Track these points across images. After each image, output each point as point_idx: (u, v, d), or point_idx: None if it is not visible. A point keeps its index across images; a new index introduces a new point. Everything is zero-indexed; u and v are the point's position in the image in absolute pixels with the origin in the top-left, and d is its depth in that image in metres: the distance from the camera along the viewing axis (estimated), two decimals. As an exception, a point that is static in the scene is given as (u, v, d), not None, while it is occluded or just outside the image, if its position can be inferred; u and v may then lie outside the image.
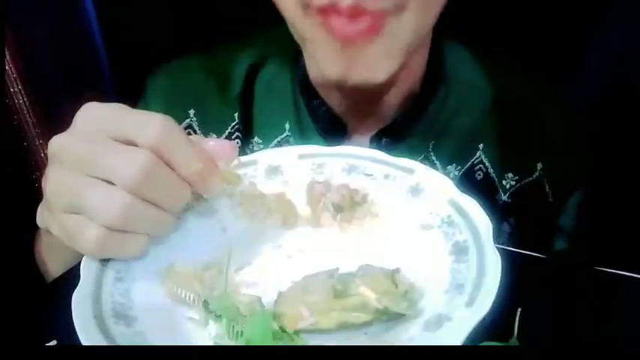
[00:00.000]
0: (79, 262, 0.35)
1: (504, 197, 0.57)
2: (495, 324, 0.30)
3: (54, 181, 0.35)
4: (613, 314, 0.34)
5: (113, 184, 0.33)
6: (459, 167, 0.56)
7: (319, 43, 0.45)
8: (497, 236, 0.56)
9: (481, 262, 0.33)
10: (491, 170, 0.56)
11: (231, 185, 0.42)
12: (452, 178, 0.55)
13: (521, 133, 0.56)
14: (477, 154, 0.56)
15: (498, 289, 0.30)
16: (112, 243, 0.33)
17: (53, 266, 0.47)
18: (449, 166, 0.56)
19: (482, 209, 0.37)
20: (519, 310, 0.33)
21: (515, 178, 0.56)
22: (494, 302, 0.30)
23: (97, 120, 0.34)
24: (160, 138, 0.33)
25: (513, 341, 0.32)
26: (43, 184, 0.36)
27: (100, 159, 0.33)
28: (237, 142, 0.59)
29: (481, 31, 0.60)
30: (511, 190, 0.57)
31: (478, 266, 0.33)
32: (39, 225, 0.40)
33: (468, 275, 0.32)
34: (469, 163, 0.56)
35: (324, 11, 0.43)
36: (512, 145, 0.56)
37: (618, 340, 0.33)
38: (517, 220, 0.57)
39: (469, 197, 0.38)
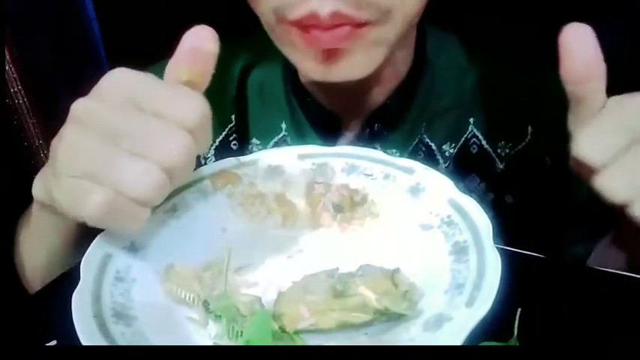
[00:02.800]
0: (79, 263, 0.34)
1: (501, 166, 0.57)
2: (495, 324, 0.30)
3: (72, 145, 0.33)
4: (613, 314, 0.34)
5: (144, 157, 0.31)
6: (454, 145, 0.57)
7: (297, 49, 0.45)
8: (503, 210, 0.56)
9: (481, 262, 0.33)
10: (484, 142, 0.57)
11: (231, 185, 0.42)
12: (448, 157, 0.56)
13: (507, 101, 0.56)
14: (469, 129, 0.57)
15: (498, 289, 0.30)
16: (116, 212, 0.32)
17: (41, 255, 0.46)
18: (444, 146, 0.57)
19: (482, 209, 0.37)
20: (519, 310, 0.33)
21: (508, 146, 0.57)
22: (494, 302, 0.30)
23: (127, 88, 0.33)
24: (198, 122, 0.32)
25: (513, 341, 0.32)
26: (53, 145, 0.34)
27: (139, 134, 0.32)
28: (235, 144, 0.59)
29: (464, 18, 0.60)
30: (507, 158, 0.57)
31: (478, 266, 0.33)
32: (35, 195, 0.39)
33: (468, 275, 0.32)
34: (463, 139, 0.57)
35: (301, 23, 0.42)
36: (501, 114, 0.56)
37: (618, 340, 0.33)
38: (520, 190, 0.57)
39: (469, 197, 0.38)
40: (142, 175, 0.31)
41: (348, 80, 0.46)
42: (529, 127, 0.56)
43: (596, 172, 0.34)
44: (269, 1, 0.43)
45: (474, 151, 0.57)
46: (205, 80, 0.35)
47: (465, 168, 0.57)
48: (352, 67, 0.45)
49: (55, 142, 0.34)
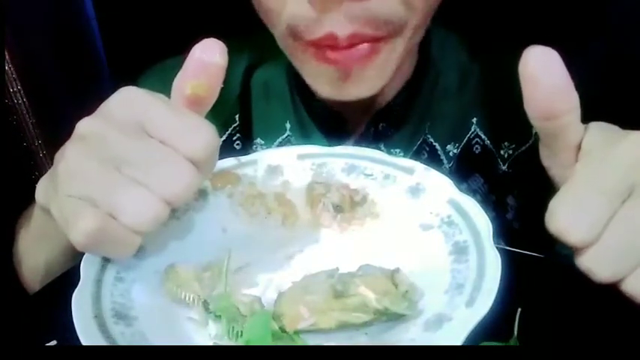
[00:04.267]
0: (79, 263, 0.34)
1: (504, 167, 0.57)
2: (495, 324, 0.30)
3: (74, 166, 0.32)
4: (613, 314, 0.34)
5: (146, 186, 0.31)
6: (457, 144, 0.57)
7: (311, 67, 0.45)
8: (505, 212, 0.56)
9: (481, 262, 0.33)
10: (487, 142, 0.57)
11: (231, 185, 0.42)
12: (452, 157, 0.56)
13: (511, 101, 0.56)
14: (472, 129, 0.57)
15: (498, 289, 0.30)
16: (106, 238, 0.31)
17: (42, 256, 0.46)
18: (448, 146, 0.56)
19: (482, 209, 0.37)
20: (519, 310, 0.33)
21: (512, 147, 0.56)
22: (494, 302, 0.30)
23: (136, 112, 0.32)
24: (206, 157, 0.32)
25: (513, 341, 0.32)
26: (56, 160, 0.34)
27: (143, 161, 0.31)
28: (238, 144, 0.59)
29: (467, 17, 0.60)
30: (510, 159, 0.57)
31: (478, 266, 0.33)
32: (37, 198, 0.38)
33: (468, 275, 0.32)
34: (466, 139, 0.57)
35: (317, 43, 0.42)
36: (505, 114, 0.55)
37: (618, 339, 0.33)
38: (522, 192, 0.57)
39: (469, 197, 0.38)
40: (141, 203, 0.30)
41: (358, 97, 0.46)
42: (533, 129, 0.55)
43: (578, 251, 0.31)
44: (282, 16, 0.43)
45: (477, 152, 0.57)
46: (213, 94, 0.34)
47: (469, 168, 0.57)
48: (365, 85, 0.45)
49: (57, 156, 0.34)
